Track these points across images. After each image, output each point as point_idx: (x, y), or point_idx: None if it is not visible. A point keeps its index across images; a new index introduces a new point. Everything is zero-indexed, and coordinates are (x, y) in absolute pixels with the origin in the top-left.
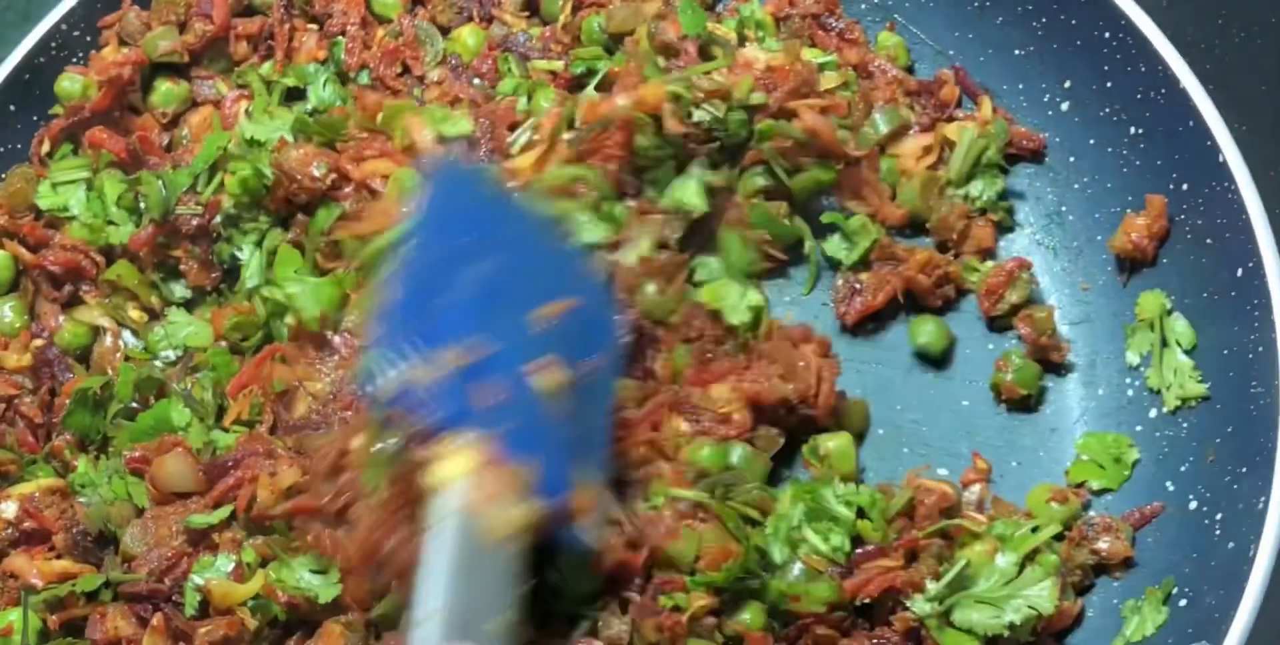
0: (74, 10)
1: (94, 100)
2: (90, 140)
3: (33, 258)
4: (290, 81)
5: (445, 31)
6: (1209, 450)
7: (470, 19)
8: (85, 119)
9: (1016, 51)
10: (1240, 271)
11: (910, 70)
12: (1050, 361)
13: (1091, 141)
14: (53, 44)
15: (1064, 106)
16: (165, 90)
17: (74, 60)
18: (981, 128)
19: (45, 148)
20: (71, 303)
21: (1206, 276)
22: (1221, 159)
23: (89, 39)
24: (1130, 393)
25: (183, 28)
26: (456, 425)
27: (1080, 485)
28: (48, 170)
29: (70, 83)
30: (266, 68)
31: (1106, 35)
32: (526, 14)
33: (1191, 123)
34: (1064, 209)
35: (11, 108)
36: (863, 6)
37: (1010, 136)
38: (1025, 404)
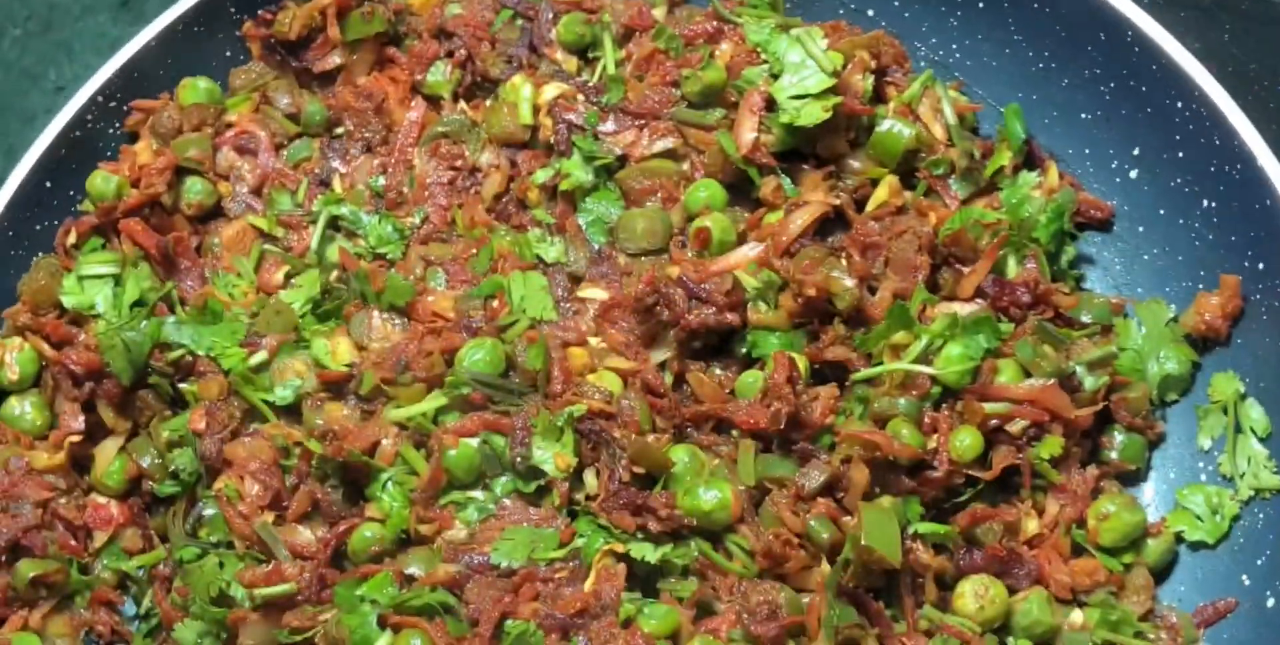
0: (111, 80)
1: (126, 202)
2: (124, 229)
3: (55, 354)
4: (333, 211)
5: (496, 83)
6: None
7: (520, 67)
8: (116, 217)
9: (1083, 115)
10: None
11: (975, 131)
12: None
13: (1162, 211)
14: (88, 116)
15: (1133, 174)
16: (195, 187)
17: (110, 130)
18: (1048, 195)
19: (71, 239)
20: (90, 404)
21: None
22: None
23: (125, 109)
24: (1203, 478)
25: (215, 130)
26: None
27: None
28: (74, 262)
29: (104, 182)
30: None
31: (1179, 104)
32: (576, 57)
33: (1269, 201)
34: (1132, 280)
35: (48, 184)
36: (923, 64)
37: (1077, 204)
38: (1135, 478)
